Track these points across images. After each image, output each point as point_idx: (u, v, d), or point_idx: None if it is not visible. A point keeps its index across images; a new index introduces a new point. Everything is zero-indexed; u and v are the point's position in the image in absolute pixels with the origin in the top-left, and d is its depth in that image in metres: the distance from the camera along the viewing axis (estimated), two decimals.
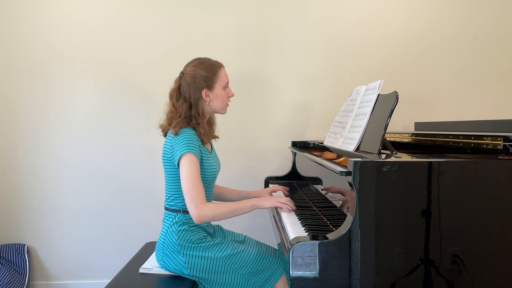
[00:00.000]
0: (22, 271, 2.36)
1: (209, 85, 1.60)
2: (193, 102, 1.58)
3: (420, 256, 1.15)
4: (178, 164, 1.52)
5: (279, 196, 1.59)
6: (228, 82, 1.67)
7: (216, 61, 1.66)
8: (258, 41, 2.41)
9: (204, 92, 1.59)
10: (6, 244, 2.40)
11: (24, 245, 2.43)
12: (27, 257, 2.40)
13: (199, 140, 1.57)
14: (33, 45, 2.37)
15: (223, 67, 1.66)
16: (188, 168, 1.47)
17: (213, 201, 1.74)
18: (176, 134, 1.55)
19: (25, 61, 2.37)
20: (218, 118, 2.05)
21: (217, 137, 1.79)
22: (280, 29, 2.41)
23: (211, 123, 1.74)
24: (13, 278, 2.26)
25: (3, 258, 2.35)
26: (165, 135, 1.65)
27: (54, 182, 2.42)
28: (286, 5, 2.40)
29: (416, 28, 2.42)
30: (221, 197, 1.89)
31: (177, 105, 1.59)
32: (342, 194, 1.39)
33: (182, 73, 1.63)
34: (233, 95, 1.71)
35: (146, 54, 2.39)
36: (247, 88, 2.42)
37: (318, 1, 2.40)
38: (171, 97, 1.63)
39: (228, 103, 1.70)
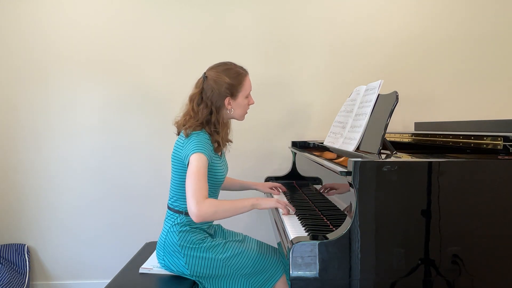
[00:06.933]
0: (22, 271, 2.36)
1: (233, 94, 1.56)
2: (214, 109, 1.54)
3: (420, 256, 1.15)
4: (188, 163, 1.47)
5: (278, 199, 1.60)
6: (250, 91, 1.64)
7: (241, 68, 1.61)
8: (256, 41, 2.41)
9: (227, 100, 1.56)
10: (6, 244, 2.40)
11: (24, 245, 2.42)
12: (27, 257, 2.40)
13: (211, 145, 1.54)
14: (33, 45, 2.37)
15: (248, 74, 1.62)
16: (196, 166, 1.42)
17: None
18: (187, 135, 1.52)
19: (25, 61, 2.37)
20: None
21: (231, 141, 1.75)
22: (279, 29, 2.40)
23: (227, 128, 1.70)
24: (13, 278, 2.26)
25: (3, 258, 2.35)
26: (178, 133, 1.63)
27: (55, 182, 2.42)
28: (286, 5, 2.40)
29: (416, 28, 2.42)
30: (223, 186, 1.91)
31: (197, 110, 1.55)
32: (338, 188, 1.39)
33: (205, 76, 1.57)
34: (253, 103, 1.67)
35: (146, 55, 2.39)
36: None
37: (318, 1, 2.40)
38: (191, 100, 1.58)
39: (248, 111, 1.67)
